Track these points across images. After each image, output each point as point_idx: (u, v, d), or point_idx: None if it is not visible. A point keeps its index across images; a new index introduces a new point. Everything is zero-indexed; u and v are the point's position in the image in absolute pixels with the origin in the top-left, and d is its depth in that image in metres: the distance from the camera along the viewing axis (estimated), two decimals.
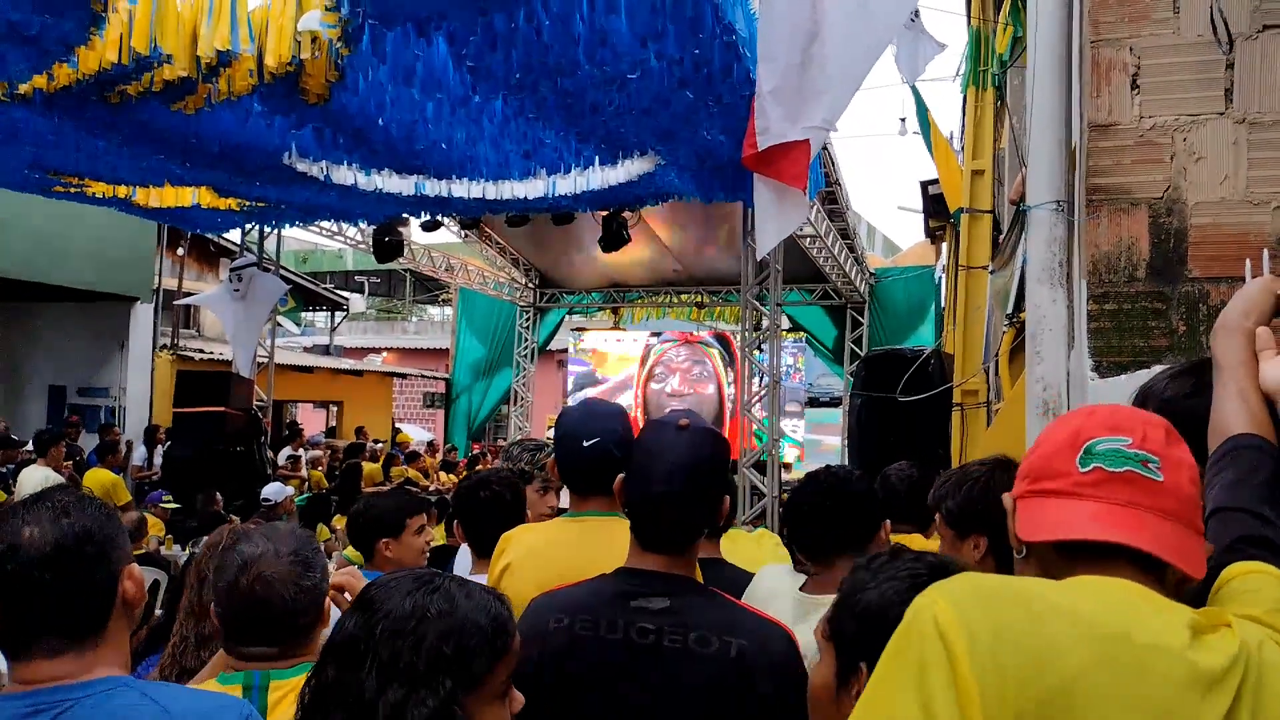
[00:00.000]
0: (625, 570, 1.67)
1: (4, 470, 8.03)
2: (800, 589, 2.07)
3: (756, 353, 9.15)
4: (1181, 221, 2.38)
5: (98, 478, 7.66)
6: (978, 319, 5.82)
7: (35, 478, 6.95)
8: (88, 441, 10.22)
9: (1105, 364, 2.37)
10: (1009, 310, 4.28)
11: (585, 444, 2.12)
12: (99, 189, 7.49)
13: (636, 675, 1.53)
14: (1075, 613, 0.98)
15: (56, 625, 1.27)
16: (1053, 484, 1.10)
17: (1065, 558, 1.07)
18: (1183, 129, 2.39)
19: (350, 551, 6.07)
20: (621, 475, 1.73)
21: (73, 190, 7.55)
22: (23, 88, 4.86)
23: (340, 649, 1.13)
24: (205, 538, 2.39)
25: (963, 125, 7.17)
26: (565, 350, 17.61)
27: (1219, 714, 0.93)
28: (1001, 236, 5.68)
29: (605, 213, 9.45)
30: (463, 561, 3.02)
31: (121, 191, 7.62)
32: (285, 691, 1.62)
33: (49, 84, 4.79)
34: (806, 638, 1.84)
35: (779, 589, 2.09)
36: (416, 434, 17.64)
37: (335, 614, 2.32)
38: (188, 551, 5.87)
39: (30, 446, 8.38)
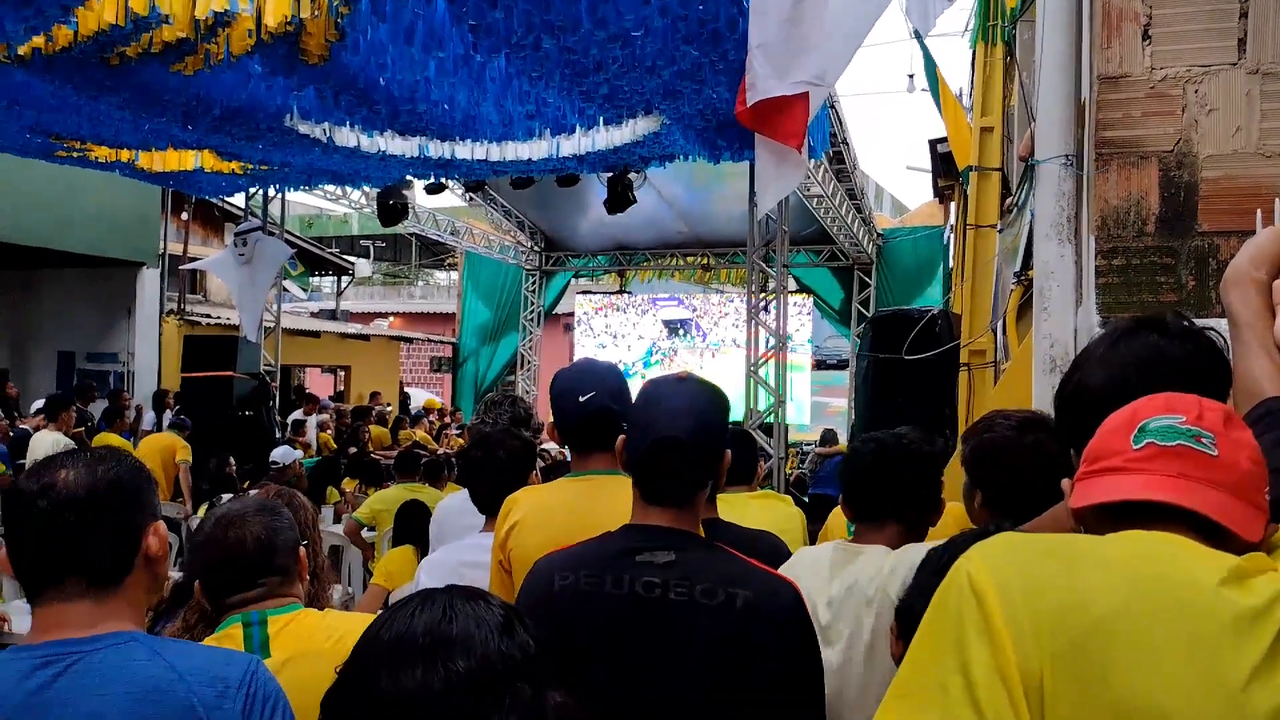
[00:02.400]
0: (629, 526, 1.66)
1: (13, 434, 8.09)
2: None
3: (763, 313, 9.12)
4: (1192, 175, 2.35)
5: (106, 442, 7.71)
6: (986, 278, 5.78)
7: (46, 442, 7.00)
8: (97, 408, 10.27)
9: (1113, 319, 2.35)
10: (1017, 267, 4.25)
11: (581, 399, 2.11)
12: (101, 153, 7.46)
13: (643, 629, 1.52)
14: (1109, 558, 0.99)
15: (79, 567, 1.29)
16: (1108, 462, 1.11)
17: (1112, 524, 1.07)
18: (1194, 80, 2.35)
19: (361, 513, 6.13)
20: (622, 436, 1.71)
21: (75, 154, 7.51)
22: (22, 50, 4.82)
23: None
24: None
25: (971, 82, 7.07)
26: (571, 314, 17.58)
27: (1260, 650, 0.92)
28: (1010, 194, 5.63)
29: (610, 174, 9.38)
30: (454, 519, 3.03)
31: (124, 155, 7.59)
32: (282, 625, 1.69)
33: (48, 45, 4.75)
34: (847, 583, 1.86)
35: (820, 547, 2.08)
36: (424, 398, 17.69)
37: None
38: (202, 512, 5.92)
39: (39, 411, 8.42)
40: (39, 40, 4.75)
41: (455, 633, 0.97)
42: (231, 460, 7.42)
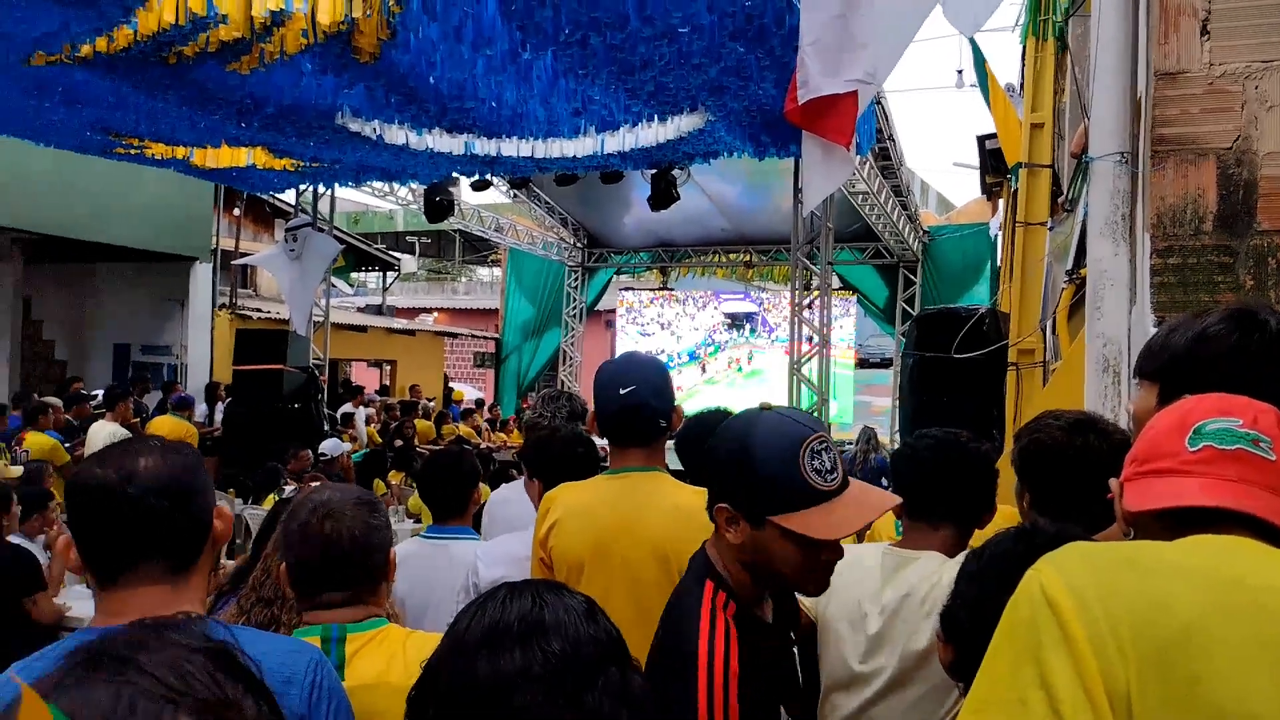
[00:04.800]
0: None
1: (75, 424, 8.32)
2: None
3: (806, 311, 9.08)
4: (1251, 172, 2.30)
5: (164, 425, 7.90)
6: (1035, 276, 5.70)
7: (104, 432, 7.19)
8: (151, 400, 10.53)
9: (1168, 319, 2.31)
10: (1068, 266, 4.19)
11: (622, 391, 2.10)
12: (158, 150, 7.63)
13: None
14: (1184, 565, 0.97)
15: (160, 552, 1.32)
16: (1161, 464, 1.10)
17: (1171, 529, 1.06)
18: (1254, 76, 2.31)
19: (413, 502, 6.23)
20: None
21: (133, 151, 7.70)
22: (84, 49, 4.96)
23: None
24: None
25: (1022, 77, 6.98)
26: (613, 310, 17.63)
27: None
28: (1062, 193, 5.54)
29: (654, 171, 9.39)
30: (504, 509, 3.06)
31: (180, 152, 7.75)
32: (361, 644, 1.65)
33: (109, 45, 4.87)
34: (901, 591, 1.81)
35: (866, 549, 2.01)
36: (468, 393, 17.86)
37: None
38: (272, 501, 6.04)
39: (99, 402, 8.66)
40: (100, 41, 4.88)
41: (548, 619, 1.02)
42: (306, 452, 7.59)
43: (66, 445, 7.38)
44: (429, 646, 1.09)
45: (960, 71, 12.29)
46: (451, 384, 18.36)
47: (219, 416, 10.59)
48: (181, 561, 1.34)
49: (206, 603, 1.47)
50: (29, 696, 0.56)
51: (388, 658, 1.65)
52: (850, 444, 13.22)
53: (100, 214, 10.56)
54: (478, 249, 26.18)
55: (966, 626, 1.28)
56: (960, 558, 1.84)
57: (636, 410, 2.11)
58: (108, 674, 0.62)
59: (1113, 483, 1.19)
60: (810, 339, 9.02)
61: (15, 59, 5.24)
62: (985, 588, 1.28)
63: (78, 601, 4.40)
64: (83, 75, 5.49)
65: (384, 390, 16.64)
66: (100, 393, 9.25)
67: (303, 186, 10.25)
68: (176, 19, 4.37)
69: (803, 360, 9.01)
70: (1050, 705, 0.92)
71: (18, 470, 6.12)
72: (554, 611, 1.03)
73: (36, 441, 7.02)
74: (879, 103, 8.21)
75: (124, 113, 6.41)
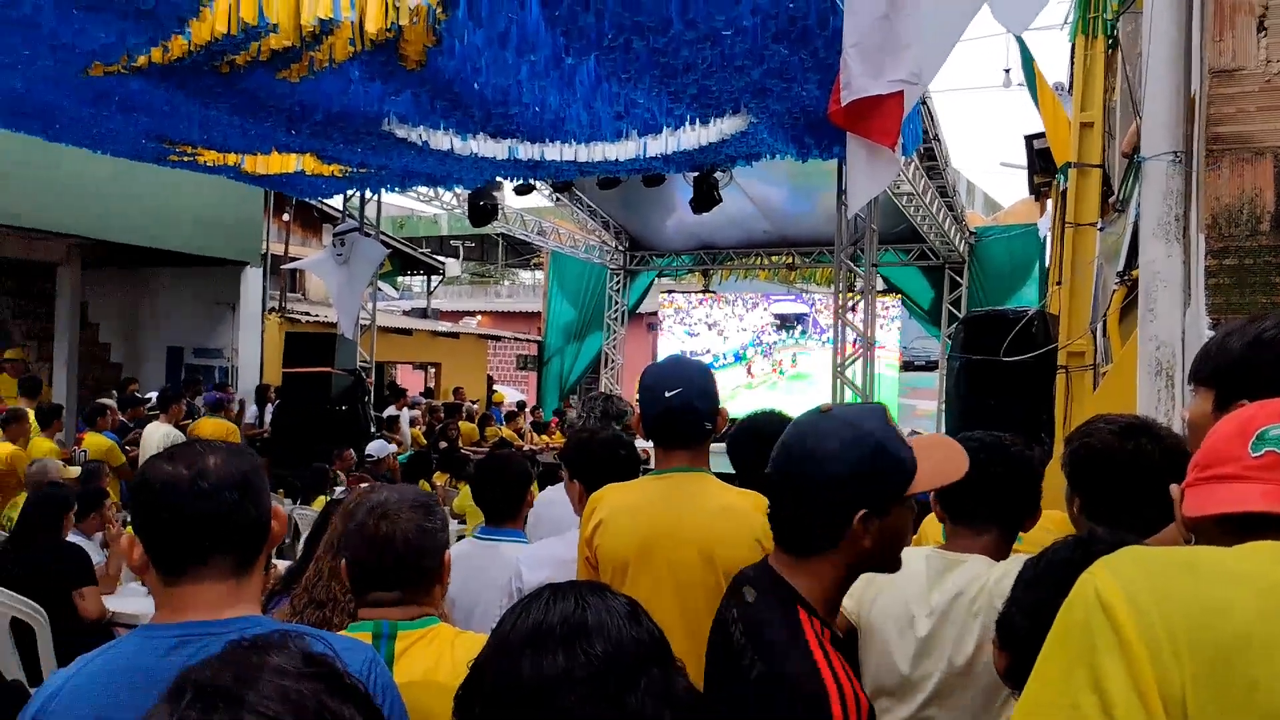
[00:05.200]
0: (765, 557, 1.54)
1: (130, 425, 8.52)
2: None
3: (849, 314, 9.01)
4: None
5: (207, 426, 8.05)
6: (1085, 278, 5.60)
7: (158, 433, 7.36)
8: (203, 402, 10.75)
9: (1223, 321, 2.26)
10: (1120, 268, 4.12)
11: (667, 394, 2.12)
12: (210, 157, 7.81)
13: (715, 658, 1.46)
14: (1241, 571, 0.96)
15: (228, 548, 1.35)
16: (1223, 469, 1.08)
17: (1232, 535, 1.04)
18: None
19: (460, 502, 6.28)
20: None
21: (186, 158, 7.88)
22: (140, 59, 5.09)
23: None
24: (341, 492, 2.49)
25: (1070, 76, 6.86)
26: (655, 313, 17.64)
27: None
28: (1112, 193, 5.45)
29: (696, 173, 9.39)
30: (549, 510, 3.08)
31: (231, 159, 7.92)
32: (411, 641, 1.69)
33: (164, 55, 5.00)
34: (950, 593, 1.79)
35: (910, 552, 1.98)
36: (510, 395, 17.99)
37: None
38: (322, 502, 6.14)
39: (153, 404, 8.87)
40: (156, 51, 5.01)
41: (590, 621, 1.03)
42: (350, 453, 7.71)
43: (123, 446, 7.56)
44: (477, 646, 1.10)
45: (1008, 71, 12.15)
46: (495, 386, 18.50)
47: (269, 418, 10.78)
48: (244, 559, 1.38)
49: (261, 604, 1.49)
50: None
51: (436, 656, 1.68)
52: None
53: (154, 220, 10.81)
54: (520, 253, 26.36)
55: (1022, 633, 1.26)
56: (1009, 561, 1.83)
57: (682, 412, 2.13)
58: (221, 716, 0.62)
59: (1173, 488, 1.18)
60: (854, 341, 8.95)
61: (74, 70, 5.39)
62: (1042, 594, 1.27)
63: (132, 599, 4.50)
64: (138, 84, 5.63)
65: (428, 393, 16.84)
66: (154, 395, 9.47)
67: (350, 192, 10.40)
68: (229, 28, 4.46)
69: (847, 363, 8.94)
70: (1104, 710, 0.91)
71: (75, 470, 6.28)
72: (596, 613, 1.04)
73: (95, 442, 7.20)
74: (924, 103, 8.13)
75: (177, 121, 6.56)
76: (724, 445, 2.82)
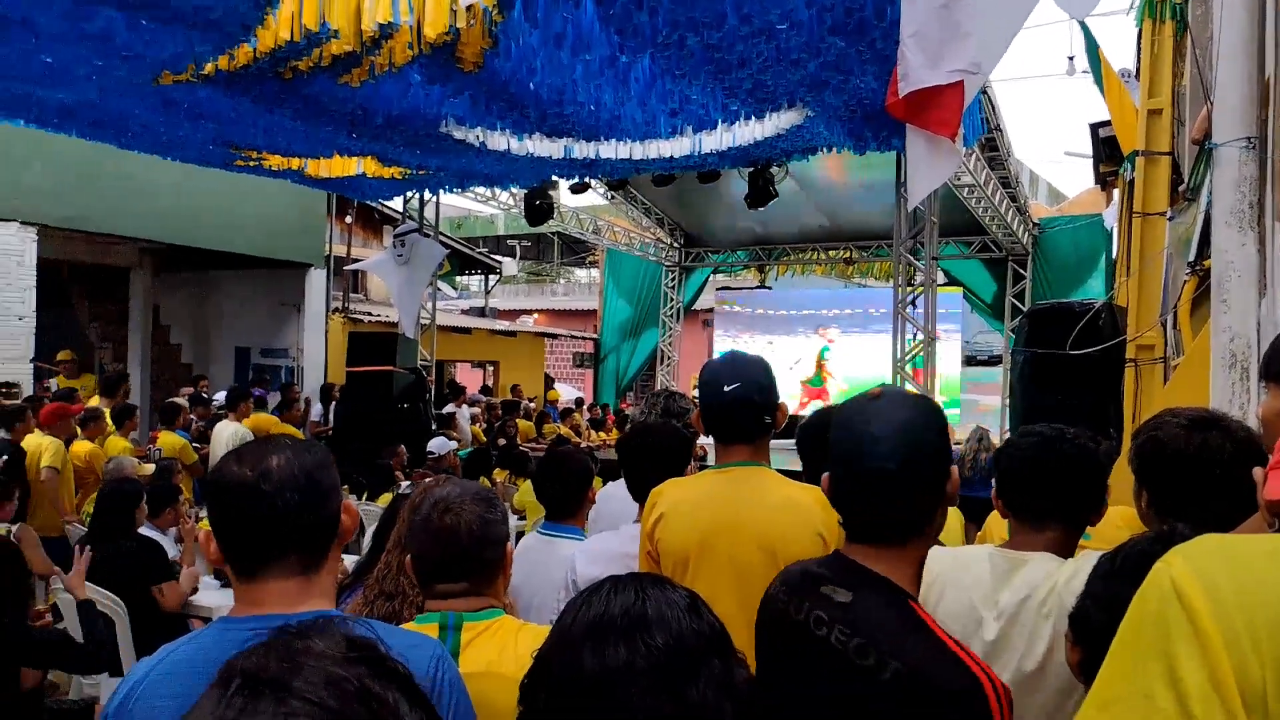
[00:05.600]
0: (836, 553, 1.53)
1: (201, 425, 8.77)
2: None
3: (910, 308, 8.90)
4: None
5: (277, 429, 8.25)
6: (1154, 269, 5.45)
7: (227, 432, 7.56)
8: (271, 400, 11.02)
9: None
10: (1190, 258, 4.00)
11: (726, 389, 2.13)
12: (275, 161, 7.99)
13: (802, 667, 1.43)
14: None
15: (297, 546, 1.38)
16: None
17: None
18: None
19: (521, 498, 6.35)
20: (825, 476, 1.53)
21: (251, 163, 8.08)
22: (207, 67, 5.23)
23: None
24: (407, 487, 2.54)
25: (1137, 62, 6.68)
26: (710, 310, 17.60)
27: None
28: (1182, 182, 5.29)
29: (751, 168, 9.35)
30: (611, 505, 3.10)
31: (295, 163, 8.10)
32: (477, 633, 1.72)
33: (230, 64, 5.13)
34: (1019, 594, 1.75)
35: (972, 552, 1.92)
36: (567, 392, 18.11)
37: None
38: (388, 498, 6.27)
39: (222, 403, 9.11)
40: (222, 59, 5.15)
41: (651, 613, 1.04)
42: (402, 450, 7.84)
43: (195, 445, 7.78)
44: (540, 639, 1.12)
45: (1071, 58, 11.86)
46: (554, 384, 18.63)
47: (333, 417, 11.01)
48: (313, 556, 1.40)
49: (334, 598, 1.53)
50: None
51: (500, 648, 1.70)
52: (959, 444, 12.90)
53: (222, 224, 11.11)
54: (575, 251, 26.52)
55: (1098, 627, 1.24)
56: (1078, 559, 1.79)
57: (741, 406, 2.14)
58: (268, 704, 0.63)
59: (1256, 471, 1.14)
60: (915, 335, 8.84)
61: (144, 79, 5.56)
62: (1119, 587, 1.24)
63: (205, 592, 4.65)
64: (205, 92, 5.79)
65: (486, 390, 17.04)
66: (222, 394, 9.74)
67: (409, 194, 10.56)
68: (292, 35, 4.57)
69: (907, 358, 8.83)
70: (1179, 702, 0.88)
71: (150, 468, 6.49)
72: (656, 605, 1.05)
73: (168, 440, 7.43)
74: (985, 93, 7.99)
75: (243, 127, 6.73)
76: (793, 442, 2.81)
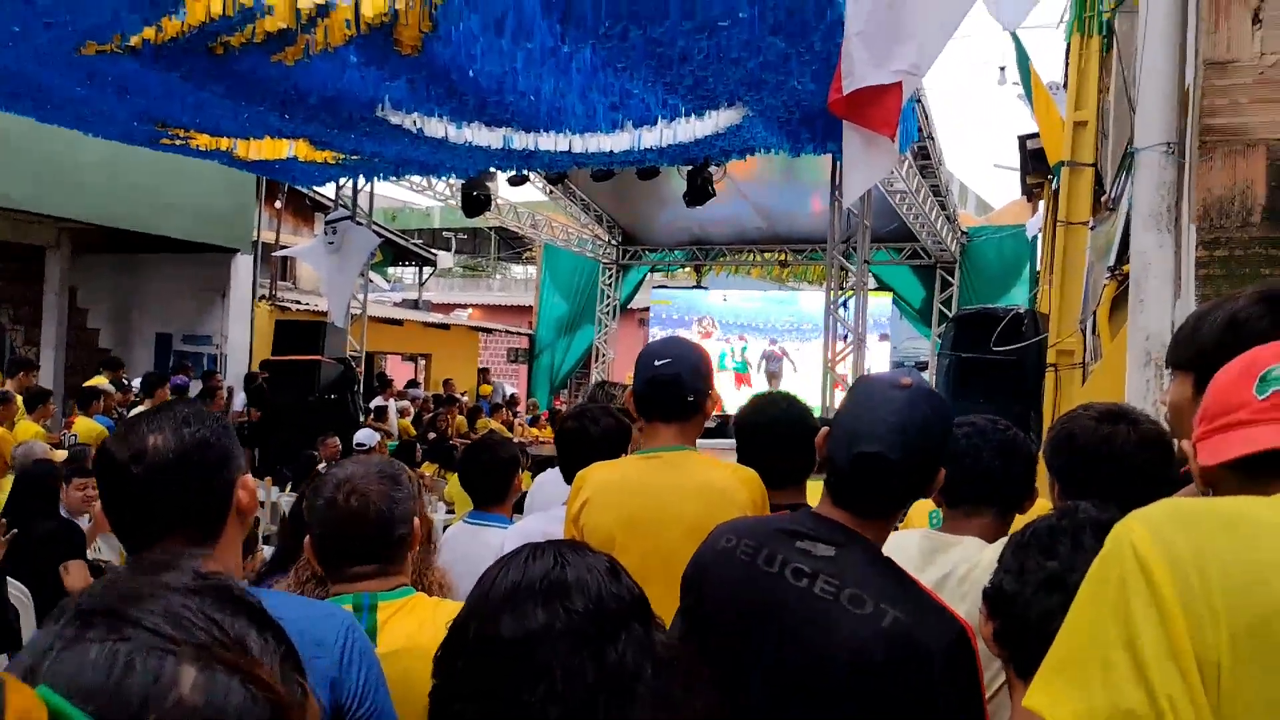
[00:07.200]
0: (806, 510, 1.57)
1: (118, 413, 8.47)
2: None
3: (841, 311, 9.03)
4: None
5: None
6: (1076, 276, 5.62)
7: None
8: (192, 389, 10.69)
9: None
10: (1110, 262, 4.14)
11: (658, 362, 2.13)
12: (202, 141, 7.76)
13: (779, 615, 1.44)
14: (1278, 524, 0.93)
15: (182, 523, 1.33)
16: (1232, 416, 1.07)
17: (1250, 478, 1.03)
18: None
19: (450, 490, 6.28)
20: (825, 429, 1.55)
21: (178, 142, 7.84)
22: (133, 39, 5.06)
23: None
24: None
25: (1065, 74, 6.89)
26: (647, 308, 17.63)
27: None
28: (1104, 192, 5.47)
29: (690, 167, 9.39)
30: (546, 489, 3.08)
31: (223, 144, 7.88)
32: (392, 611, 1.68)
33: (157, 35, 4.97)
34: (940, 572, 1.80)
35: (907, 533, 1.98)
36: (500, 389, 17.95)
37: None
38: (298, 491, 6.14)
39: (139, 390, 8.83)
40: (149, 31, 4.98)
41: (570, 577, 1.04)
42: (335, 440, 7.70)
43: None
44: (457, 612, 1.11)
45: (1003, 68, 12.17)
46: (493, 380, 18.40)
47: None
48: (204, 533, 1.35)
49: (241, 571, 1.47)
50: (11, 684, 0.51)
51: (418, 623, 1.67)
52: None
53: (146, 205, 10.75)
54: (513, 247, 26.34)
55: (1010, 594, 1.27)
56: (1001, 542, 1.83)
57: (669, 384, 2.13)
58: (99, 632, 0.58)
59: (1184, 444, 1.16)
60: (845, 337, 8.97)
61: (66, 48, 5.35)
62: (1029, 557, 1.27)
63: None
64: (131, 65, 5.60)
65: (413, 384, 16.79)
66: (138, 381, 9.43)
67: (342, 180, 10.36)
68: (224, 9, 4.45)
69: (837, 360, 8.95)
70: (1135, 667, 0.89)
71: (63, 454, 6.24)
72: (576, 570, 1.05)
73: (85, 427, 7.17)
74: (919, 100, 8.15)
75: (170, 103, 6.52)
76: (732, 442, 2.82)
